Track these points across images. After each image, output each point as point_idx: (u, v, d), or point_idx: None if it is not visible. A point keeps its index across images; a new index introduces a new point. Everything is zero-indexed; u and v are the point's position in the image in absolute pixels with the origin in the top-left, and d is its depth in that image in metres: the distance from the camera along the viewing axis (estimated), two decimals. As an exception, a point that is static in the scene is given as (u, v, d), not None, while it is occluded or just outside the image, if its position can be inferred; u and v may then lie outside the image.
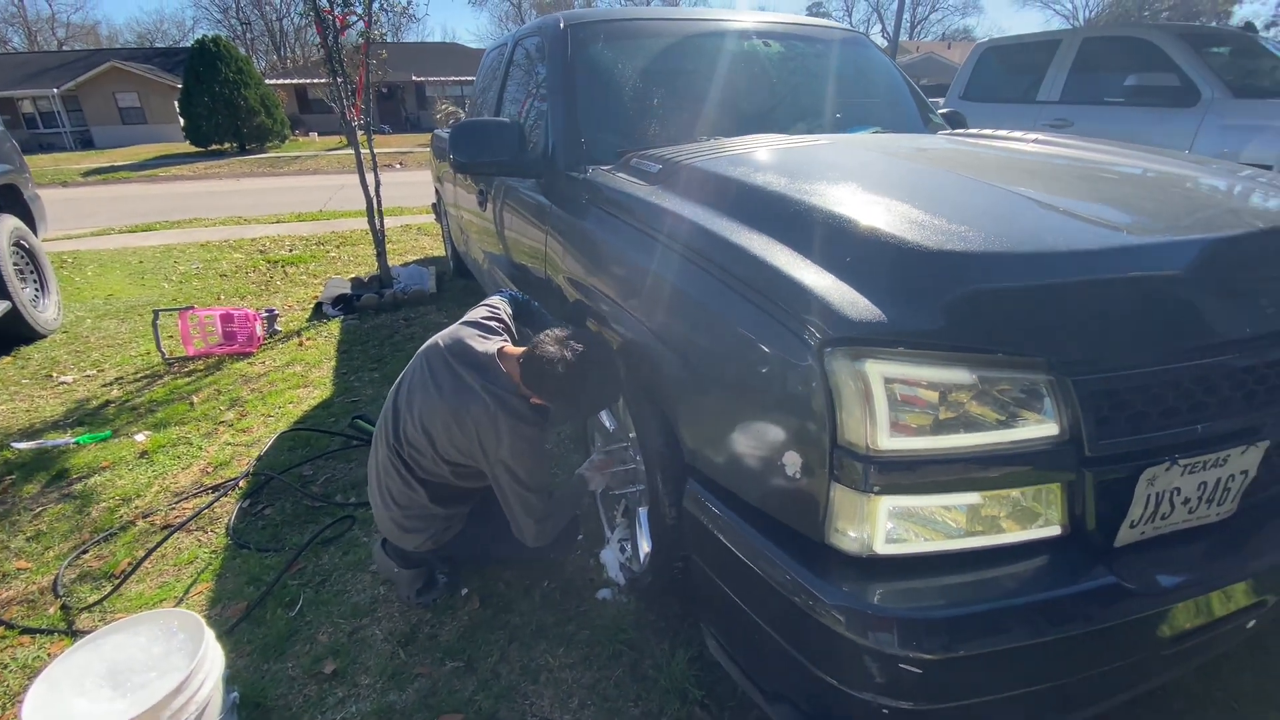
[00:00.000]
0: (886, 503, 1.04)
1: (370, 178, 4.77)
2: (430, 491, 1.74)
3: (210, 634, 1.42)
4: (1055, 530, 1.11)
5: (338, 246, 6.95)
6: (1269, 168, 2.48)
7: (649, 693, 1.60)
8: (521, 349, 1.68)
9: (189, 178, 15.84)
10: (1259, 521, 1.26)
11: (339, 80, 4.47)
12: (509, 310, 1.94)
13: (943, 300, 1.02)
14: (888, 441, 1.00)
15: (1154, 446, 1.08)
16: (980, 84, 6.03)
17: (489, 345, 1.71)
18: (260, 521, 2.33)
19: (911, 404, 1.02)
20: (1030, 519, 1.11)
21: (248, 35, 44.11)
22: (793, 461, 1.11)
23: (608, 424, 1.98)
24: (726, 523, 1.25)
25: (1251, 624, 1.28)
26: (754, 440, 1.19)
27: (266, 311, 4.26)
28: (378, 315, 4.57)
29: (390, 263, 5.31)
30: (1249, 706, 1.53)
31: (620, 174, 1.89)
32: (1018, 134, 2.19)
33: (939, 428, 1.02)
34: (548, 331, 1.61)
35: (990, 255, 1.05)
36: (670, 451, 1.49)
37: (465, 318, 1.86)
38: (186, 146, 22.21)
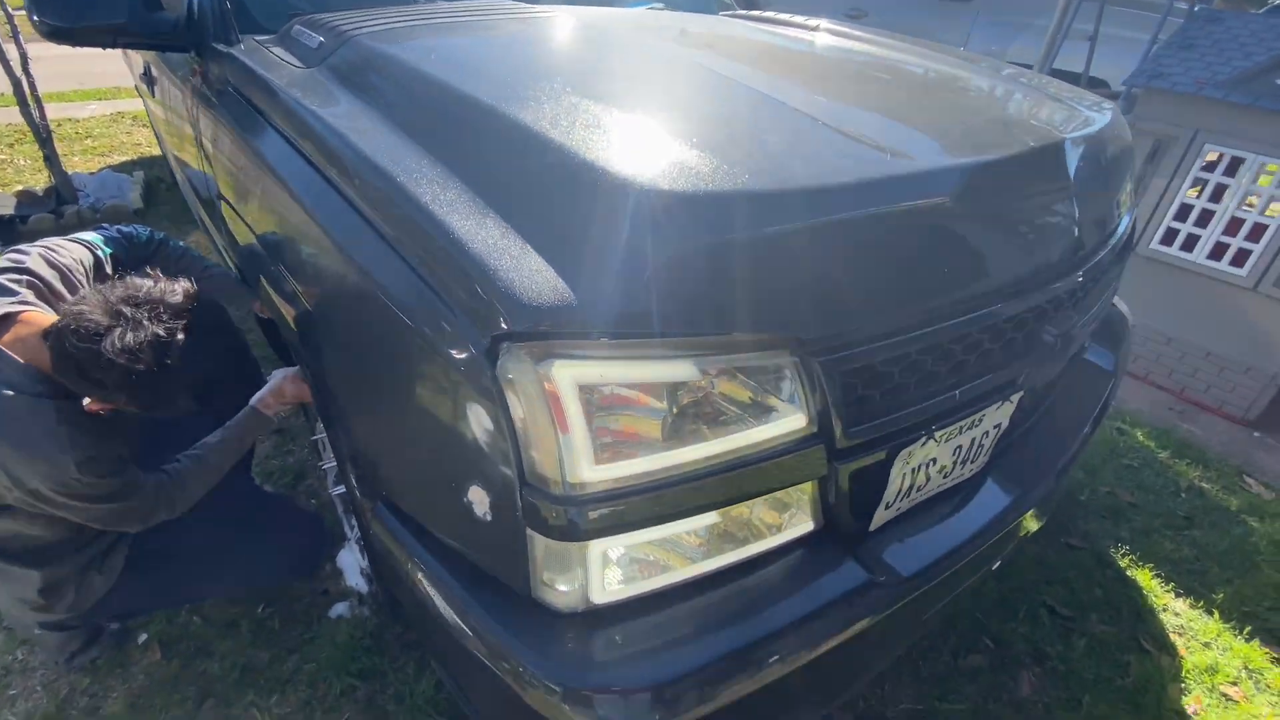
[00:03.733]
0: (602, 546, 0.77)
1: (12, 49, 3.39)
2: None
3: None
4: (807, 528, 0.94)
5: (10, 146, 5.16)
6: (1029, 67, 2.49)
7: (387, 734, 1.32)
8: (51, 318, 1.09)
9: None
10: (1003, 466, 1.21)
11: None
12: (101, 257, 1.32)
13: (658, 269, 0.71)
14: (591, 472, 0.71)
15: (912, 424, 0.92)
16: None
17: None
18: None
19: (620, 416, 0.73)
20: (780, 523, 0.91)
21: None
22: (479, 500, 0.79)
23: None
24: (418, 563, 0.92)
25: (997, 565, 1.27)
26: (432, 468, 0.86)
27: None
28: (57, 244, 3.42)
29: (81, 167, 4.01)
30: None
31: (275, 49, 1.31)
32: (800, 20, 1.91)
33: (660, 442, 0.75)
34: (101, 289, 1.08)
35: (722, 197, 0.75)
36: (354, 459, 1.10)
37: None
38: None
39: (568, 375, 0.68)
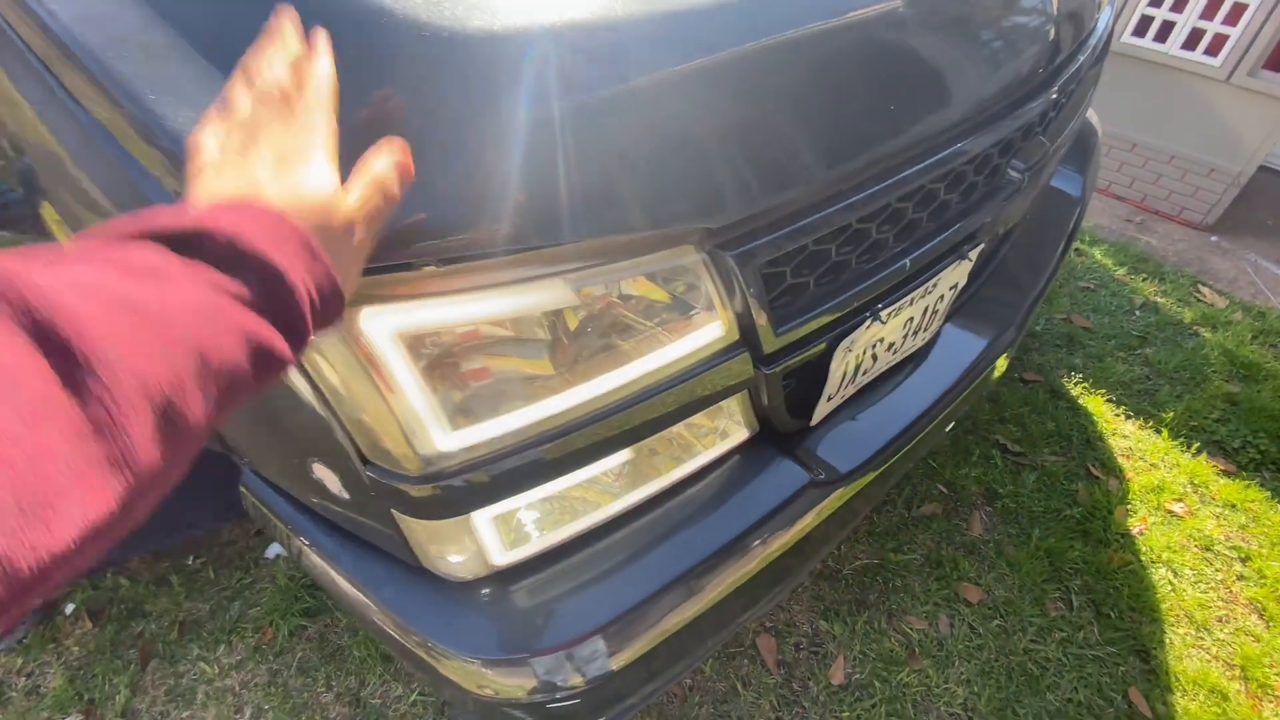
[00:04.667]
0: (489, 512, 0.64)
1: None
2: None
3: None
4: (741, 437, 0.82)
5: None
6: None
7: (342, 668, 1.29)
8: None
9: None
10: (958, 325, 1.10)
11: None
12: None
13: (488, 162, 0.50)
14: (448, 439, 0.56)
15: (854, 308, 0.77)
16: None
17: None
18: None
19: (482, 361, 0.56)
20: (708, 439, 0.79)
21: None
22: (327, 478, 0.64)
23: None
24: (295, 533, 0.80)
25: (950, 427, 1.21)
26: (273, 443, 0.69)
27: None
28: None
29: None
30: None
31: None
32: None
33: (540, 386, 0.59)
34: None
35: (564, 41, 0.52)
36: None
37: None
38: None
39: (383, 325, 0.50)
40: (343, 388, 0.52)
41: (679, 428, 0.77)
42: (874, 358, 0.89)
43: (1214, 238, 2.44)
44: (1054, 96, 0.93)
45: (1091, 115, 1.61)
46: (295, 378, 0.54)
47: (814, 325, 0.73)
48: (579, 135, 0.51)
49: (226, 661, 1.30)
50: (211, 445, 0.87)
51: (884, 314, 0.81)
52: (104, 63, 0.52)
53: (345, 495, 0.65)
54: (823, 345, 0.77)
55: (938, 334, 1.06)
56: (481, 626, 0.70)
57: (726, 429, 0.81)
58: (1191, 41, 2.27)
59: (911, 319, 0.90)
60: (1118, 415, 1.74)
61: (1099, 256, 2.30)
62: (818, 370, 0.81)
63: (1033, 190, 0.98)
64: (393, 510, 0.61)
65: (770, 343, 0.70)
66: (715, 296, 0.65)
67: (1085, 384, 1.81)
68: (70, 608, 1.40)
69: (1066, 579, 1.39)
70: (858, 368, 0.87)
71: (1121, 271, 2.23)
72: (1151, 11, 2.31)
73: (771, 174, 0.61)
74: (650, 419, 0.67)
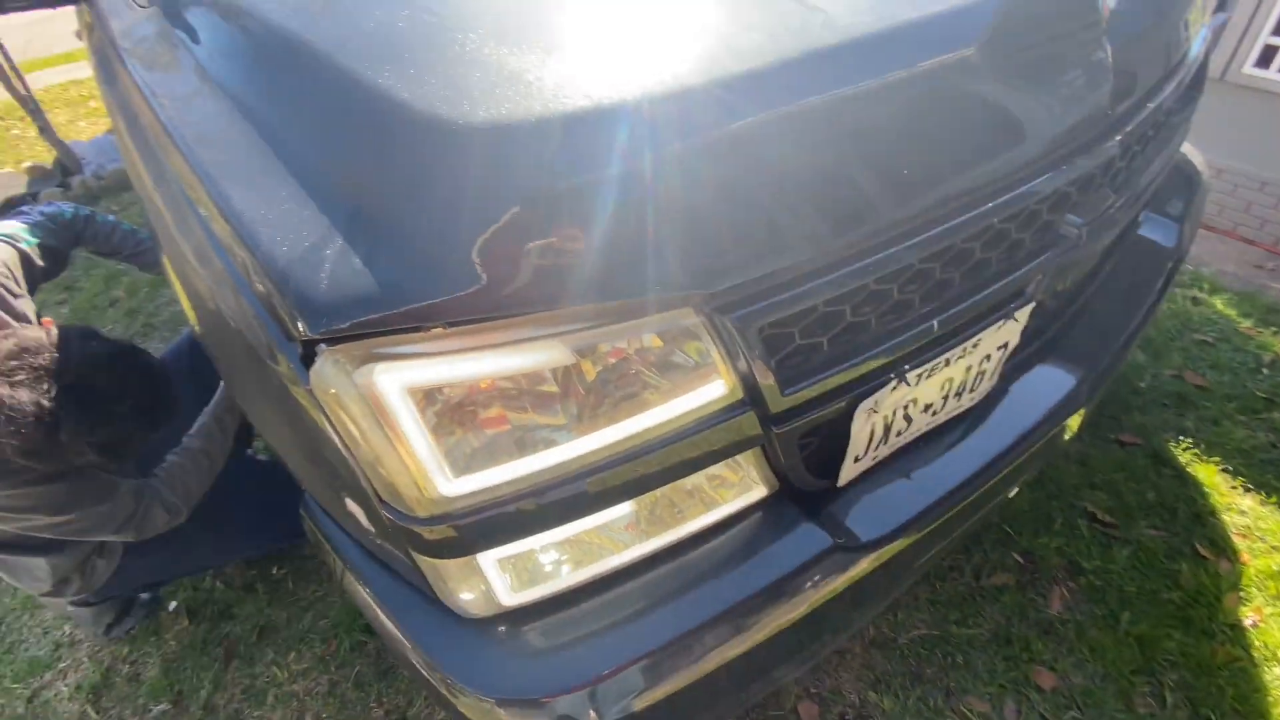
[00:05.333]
0: (496, 554, 0.68)
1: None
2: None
3: None
4: (759, 494, 0.82)
5: (21, 119, 5.18)
6: None
7: (393, 687, 1.36)
8: None
9: None
10: (1020, 385, 1.03)
11: None
12: (26, 249, 1.24)
13: (497, 233, 0.55)
14: (451, 485, 0.61)
15: (874, 369, 0.75)
16: None
17: None
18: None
19: (485, 414, 0.61)
20: (723, 493, 0.79)
21: None
22: (356, 511, 0.71)
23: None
24: (342, 559, 0.87)
25: (1014, 492, 1.12)
26: (316, 474, 0.77)
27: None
28: (71, 217, 3.46)
29: (87, 131, 3.97)
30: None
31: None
32: None
33: (542, 439, 0.63)
34: None
35: (565, 124, 0.56)
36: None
37: None
38: None
39: (393, 380, 0.56)
40: (359, 436, 0.58)
41: (693, 480, 0.78)
42: (907, 419, 0.86)
43: (1371, 286, 2.13)
44: (1115, 145, 0.87)
45: (1194, 154, 1.47)
46: (325, 423, 0.61)
47: (826, 386, 0.72)
48: (573, 209, 0.55)
49: (295, 668, 1.41)
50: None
51: (911, 376, 0.78)
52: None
53: (371, 529, 0.71)
54: (842, 405, 0.76)
55: (999, 392, 1.00)
56: (492, 664, 0.73)
57: (743, 484, 0.81)
58: (1332, 69, 2.03)
59: (951, 380, 0.87)
60: (1234, 488, 1.53)
61: (1220, 306, 2.07)
62: (840, 430, 0.79)
63: (1095, 244, 0.92)
64: (408, 547, 0.66)
65: (777, 403, 0.70)
66: (717, 356, 0.66)
67: (1196, 450, 1.61)
68: (173, 605, 1.57)
69: (1160, 672, 1.23)
70: (887, 429, 0.84)
71: (1247, 324, 1.99)
72: (1276, 40, 2.09)
73: (766, 240, 0.62)
74: (651, 473, 0.69)
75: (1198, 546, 1.42)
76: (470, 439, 0.60)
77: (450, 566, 0.67)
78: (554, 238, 0.56)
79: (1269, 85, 2.14)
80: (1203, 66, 1.20)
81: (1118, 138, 0.88)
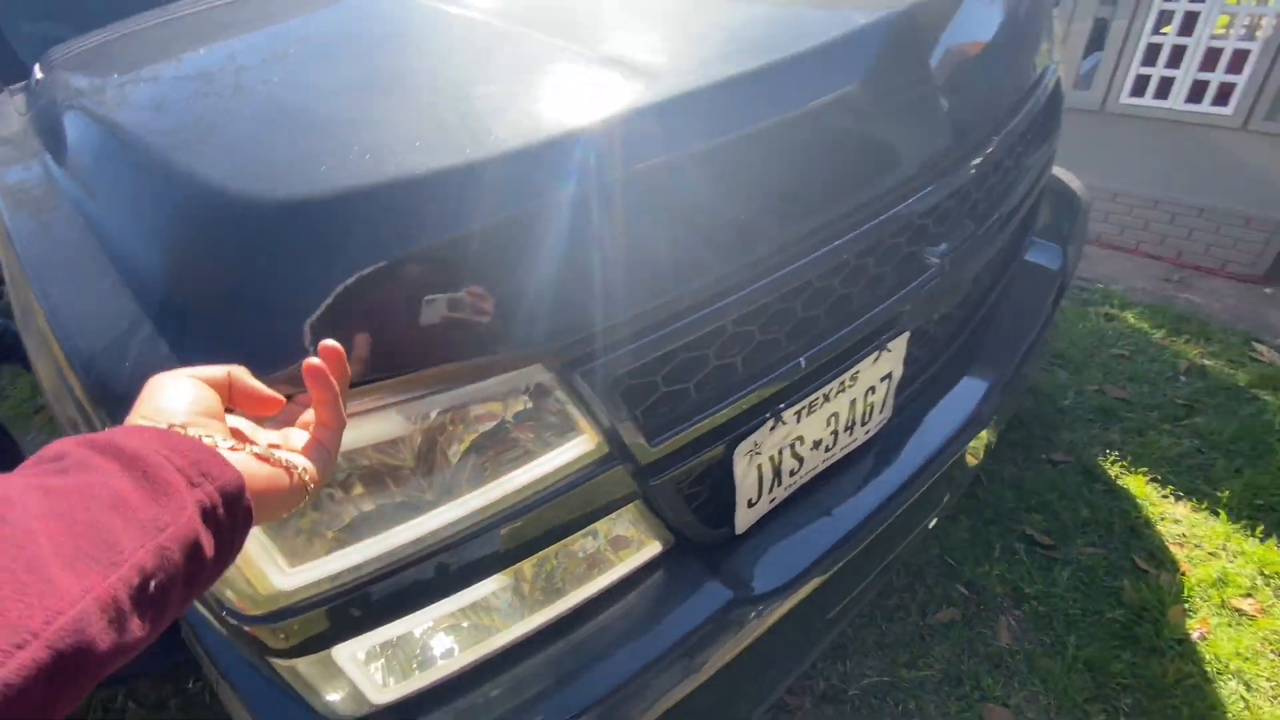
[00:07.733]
0: (353, 649, 0.63)
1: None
2: None
3: None
4: (653, 550, 0.79)
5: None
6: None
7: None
8: None
9: None
10: (917, 412, 1.04)
11: None
12: None
13: (315, 300, 0.54)
14: (287, 578, 0.57)
15: (744, 410, 0.74)
16: None
17: None
18: None
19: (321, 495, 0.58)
20: (613, 555, 0.76)
21: None
22: (205, 614, 0.66)
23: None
24: (218, 665, 0.80)
25: (933, 523, 1.11)
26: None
27: None
28: None
29: None
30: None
31: (18, 93, 1.13)
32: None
33: (379, 515, 0.60)
34: None
35: (371, 195, 0.57)
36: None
37: None
38: None
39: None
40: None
41: (584, 542, 0.75)
42: (798, 459, 0.85)
43: (1268, 289, 2.24)
44: (970, 173, 0.91)
45: (1071, 180, 1.56)
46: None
47: (698, 432, 0.71)
48: (405, 277, 0.55)
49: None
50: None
51: (788, 414, 0.78)
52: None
53: (224, 633, 0.66)
54: (719, 450, 0.75)
55: (900, 422, 1.00)
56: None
57: (638, 542, 0.78)
58: (1196, 94, 2.21)
59: (836, 414, 0.86)
60: (1165, 497, 1.55)
61: (1133, 320, 2.15)
62: (726, 476, 0.78)
63: (961, 273, 0.95)
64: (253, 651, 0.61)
65: (646, 454, 0.68)
66: (575, 412, 0.65)
67: (1124, 462, 1.63)
68: (79, 736, 1.43)
69: (1113, 696, 1.19)
70: (777, 470, 0.83)
71: (1160, 334, 2.06)
72: (1146, 70, 2.28)
73: (608, 293, 0.62)
74: (523, 541, 0.66)
75: (1136, 560, 1.41)
76: (305, 522, 0.57)
77: (306, 666, 0.62)
78: (388, 307, 0.55)
79: (1144, 111, 2.32)
80: (1055, 99, 1.28)
81: (968, 170, 0.93)
